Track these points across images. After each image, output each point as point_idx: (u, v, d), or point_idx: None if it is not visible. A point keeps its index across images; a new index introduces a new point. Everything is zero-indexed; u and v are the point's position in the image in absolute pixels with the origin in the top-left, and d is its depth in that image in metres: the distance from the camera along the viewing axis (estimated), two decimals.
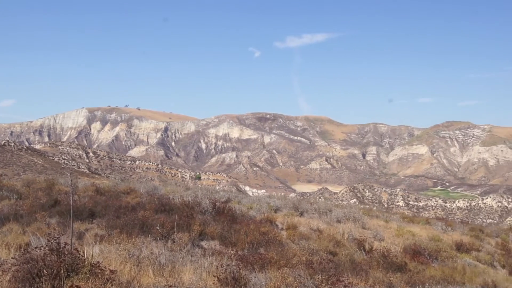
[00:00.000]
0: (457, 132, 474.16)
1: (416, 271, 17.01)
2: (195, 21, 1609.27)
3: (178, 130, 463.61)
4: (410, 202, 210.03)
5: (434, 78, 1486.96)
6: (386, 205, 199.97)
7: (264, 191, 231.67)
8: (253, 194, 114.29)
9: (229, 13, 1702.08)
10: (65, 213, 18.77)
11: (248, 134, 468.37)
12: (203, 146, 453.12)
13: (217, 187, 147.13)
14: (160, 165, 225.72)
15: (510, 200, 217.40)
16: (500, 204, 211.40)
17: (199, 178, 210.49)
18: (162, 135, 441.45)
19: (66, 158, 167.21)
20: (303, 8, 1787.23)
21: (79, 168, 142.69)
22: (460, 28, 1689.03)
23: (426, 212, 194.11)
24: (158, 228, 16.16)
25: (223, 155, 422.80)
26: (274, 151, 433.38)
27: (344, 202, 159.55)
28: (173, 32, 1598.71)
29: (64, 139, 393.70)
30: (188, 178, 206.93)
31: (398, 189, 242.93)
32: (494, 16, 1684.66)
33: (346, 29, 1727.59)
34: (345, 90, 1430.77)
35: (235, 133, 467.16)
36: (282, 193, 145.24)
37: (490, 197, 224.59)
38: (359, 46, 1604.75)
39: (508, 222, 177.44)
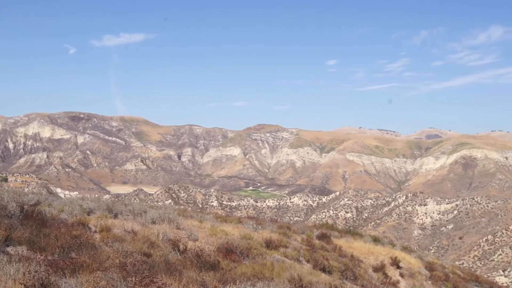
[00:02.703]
0: (268, 134, 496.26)
1: (228, 268, 17.51)
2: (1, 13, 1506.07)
3: None
4: (224, 202, 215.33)
5: (248, 82, 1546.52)
6: (200, 206, 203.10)
7: (77, 193, 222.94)
8: (65, 196, 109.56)
9: (39, 6, 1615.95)
10: None
11: (60, 134, 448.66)
12: (11, 146, 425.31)
13: (26, 190, 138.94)
14: None
15: (314, 199, 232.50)
16: (305, 203, 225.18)
17: (5, 180, 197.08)
18: None
19: None
20: (121, 6, 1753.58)
21: None
22: (268, 35, 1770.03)
23: (239, 212, 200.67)
24: None
25: (33, 155, 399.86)
26: (88, 152, 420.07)
27: (159, 203, 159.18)
28: None
29: None
30: None
31: (212, 190, 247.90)
32: (292, 25, 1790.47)
33: (163, 30, 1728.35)
34: (162, 91, 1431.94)
35: (46, 132, 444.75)
36: (96, 195, 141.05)
37: (297, 196, 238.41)
38: (176, 47, 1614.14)
39: (313, 219, 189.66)
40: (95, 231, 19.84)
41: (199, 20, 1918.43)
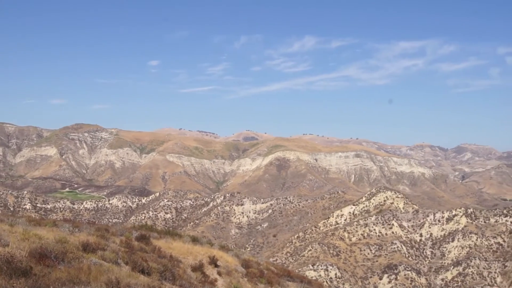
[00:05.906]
0: (86, 134, 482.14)
1: (42, 274, 16.87)
2: None
3: None
4: (38, 205, 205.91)
5: (66, 80, 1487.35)
6: (12, 209, 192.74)
7: None
8: None
9: None
10: None
11: None
12: None
13: None
14: None
15: (134, 200, 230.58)
16: (125, 204, 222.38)
17: None
18: None
19: None
20: None
21: None
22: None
23: (55, 214, 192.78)
24: None
25: None
26: None
27: None
28: None
29: None
30: None
31: (26, 192, 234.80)
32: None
33: None
34: None
35: None
36: None
37: (116, 197, 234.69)
38: None
39: (132, 220, 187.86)
40: None
41: (11, 10, 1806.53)
